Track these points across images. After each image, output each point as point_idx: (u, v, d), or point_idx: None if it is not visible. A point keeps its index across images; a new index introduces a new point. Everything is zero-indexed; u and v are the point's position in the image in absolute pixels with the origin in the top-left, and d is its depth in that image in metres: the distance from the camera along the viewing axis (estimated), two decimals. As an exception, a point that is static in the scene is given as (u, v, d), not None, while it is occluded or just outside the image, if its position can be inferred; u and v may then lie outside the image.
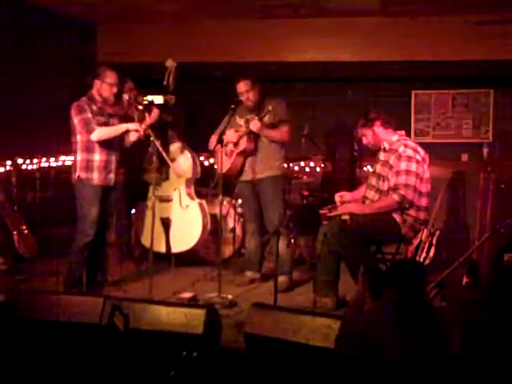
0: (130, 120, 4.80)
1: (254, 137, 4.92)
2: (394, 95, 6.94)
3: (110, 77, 4.63)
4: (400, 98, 7.01)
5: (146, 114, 4.73)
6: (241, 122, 5.02)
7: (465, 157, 6.85)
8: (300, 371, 3.03)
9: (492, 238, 4.46)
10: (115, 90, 4.66)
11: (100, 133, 4.56)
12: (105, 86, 4.62)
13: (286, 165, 5.45)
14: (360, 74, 6.82)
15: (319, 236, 4.43)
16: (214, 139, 5.02)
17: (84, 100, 4.61)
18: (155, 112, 4.78)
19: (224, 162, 4.83)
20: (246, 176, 5.04)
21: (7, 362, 3.24)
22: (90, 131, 4.54)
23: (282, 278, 4.79)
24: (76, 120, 4.55)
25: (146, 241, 5.31)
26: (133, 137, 4.78)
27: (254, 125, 4.82)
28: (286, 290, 4.85)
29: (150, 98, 4.84)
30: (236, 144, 4.97)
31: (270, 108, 4.74)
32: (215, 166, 5.25)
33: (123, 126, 4.67)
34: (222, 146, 4.74)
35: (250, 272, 5.15)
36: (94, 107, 4.60)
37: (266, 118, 4.88)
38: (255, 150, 4.95)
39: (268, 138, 4.93)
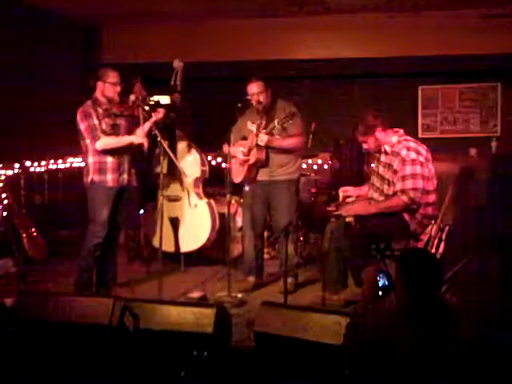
0: (136, 120, 4.79)
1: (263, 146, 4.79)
2: (401, 91, 6.91)
3: (112, 76, 4.62)
4: (407, 93, 6.99)
5: (153, 114, 4.73)
6: (252, 127, 4.88)
7: (473, 151, 6.80)
8: (311, 369, 3.02)
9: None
10: (119, 88, 4.64)
11: (103, 143, 4.53)
12: (108, 86, 4.60)
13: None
14: (366, 70, 6.80)
15: (326, 233, 4.43)
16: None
17: (89, 104, 4.58)
18: (161, 112, 4.78)
19: (237, 172, 4.79)
20: (261, 176, 4.91)
21: (19, 363, 3.25)
22: (95, 138, 4.52)
23: (288, 280, 4.80)
24: (82, 126, 4.53)
25: (155, 241, 5.32)
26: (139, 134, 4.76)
27: (262, 140, 4.71)
28: (293, 291, 4.83)
29: (156, 98, 4.85)
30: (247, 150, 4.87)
31: (290, 121, 4.58)
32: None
33: (128, 139, 4.64)
34: (229, 145, 4.73)
35: (252, 277, 5.07)
36: (100, 110, 4.59)
37: (275, 130, 4.73)
38: (267, 158, 4.81)
39: (279, 148, 4.80)
